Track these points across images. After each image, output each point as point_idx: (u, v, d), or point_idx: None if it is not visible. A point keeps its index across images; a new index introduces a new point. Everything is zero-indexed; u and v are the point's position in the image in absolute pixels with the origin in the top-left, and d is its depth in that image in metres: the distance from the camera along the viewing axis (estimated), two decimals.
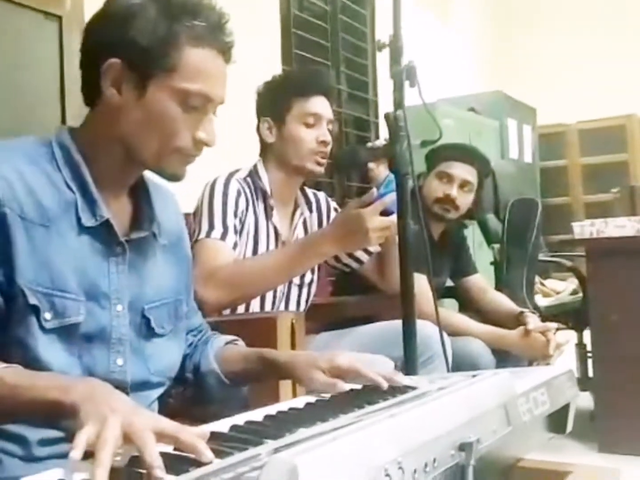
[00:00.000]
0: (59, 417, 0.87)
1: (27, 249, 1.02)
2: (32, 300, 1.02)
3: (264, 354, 1.28)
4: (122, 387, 1.10)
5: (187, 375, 1.32)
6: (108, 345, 1.11)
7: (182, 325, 1.27)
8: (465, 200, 2.48)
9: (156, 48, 1.06)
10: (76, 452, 0.72)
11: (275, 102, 1.94)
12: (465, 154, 2.53)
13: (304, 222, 2.02)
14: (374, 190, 1.71)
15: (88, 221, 1.08)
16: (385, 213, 1.68)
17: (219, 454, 0.77)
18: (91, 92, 1.12)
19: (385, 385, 1.11)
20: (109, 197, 1.13)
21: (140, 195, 1.20)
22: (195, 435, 0.78)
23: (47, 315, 1.03)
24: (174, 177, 1.15)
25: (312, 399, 1.10)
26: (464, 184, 2.46)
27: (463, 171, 2.47)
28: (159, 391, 1.22)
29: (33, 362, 1.02)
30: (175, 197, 1.33)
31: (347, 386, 1.13)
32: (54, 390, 0.87)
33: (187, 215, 1.88)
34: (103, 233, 1.10)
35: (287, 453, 0.59)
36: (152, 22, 1.07)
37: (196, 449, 0.75)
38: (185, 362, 1.32)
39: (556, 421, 1.03)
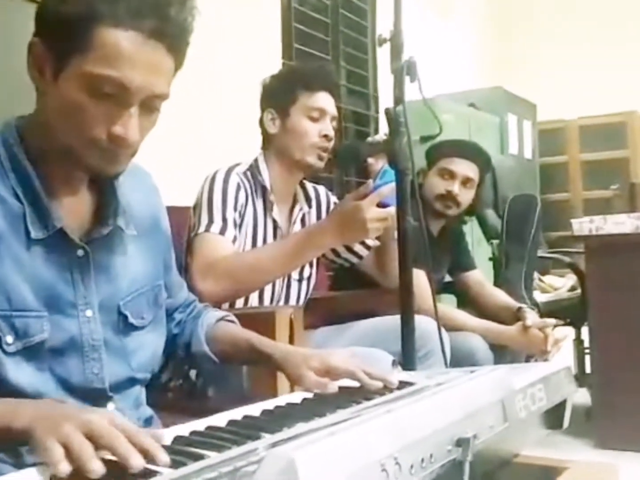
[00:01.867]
0: (11, 442, 0.83)
1: None
2: None
3: (256, 344, 1.25)
4: (101, 393, 1.08)
5: (178, 352, 1.31)
6: (81, 354, 1.05)
7: (163, 312, 1.22)
8: (466, 196, 2.49)
9: (70, 26, 0.95)
10: (64, 466, 0.69)
11: (280, 94, 1.94)
12: (467, 150, 2.53)
13: (303, 218, 2.02)
14: (370, 182, 1.72)
15: (39, 233, 1.01)
16: (381, 205, 1.68)
17: (217, 447, 0.78)
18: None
19: (375, 387, 1.09)
20: (64, 197, 1.05)
21: (102, 186, 1.10)
22: (150, 438, 0.75)
23: (9, 339, 0.97)
24: (102, 173, 1.04)
25: (309, 394, 1.10)
26: (465, 181, 2.47)
27: (464, 167, 2.47)
28: (144, 383, 1.18)
29: (4, 386, 0.97)
30: (148, 175, 1.24)
31: (337, 387, 1.11)
32: (1, 418, 0.81)
33: (187, 208, 1.89)
34: (58, 241, 1.02)
35: (284, 447, 0.59)
36: None
37: (149, 451, 0.72)
38: (175, 341, 1.30)
39: (553, 417, 1.03)
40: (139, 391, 1.18)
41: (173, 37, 0.99)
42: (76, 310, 1.05)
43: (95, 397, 1.08)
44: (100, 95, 0.96)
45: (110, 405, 1.10)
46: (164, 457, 0.72)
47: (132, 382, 1.14)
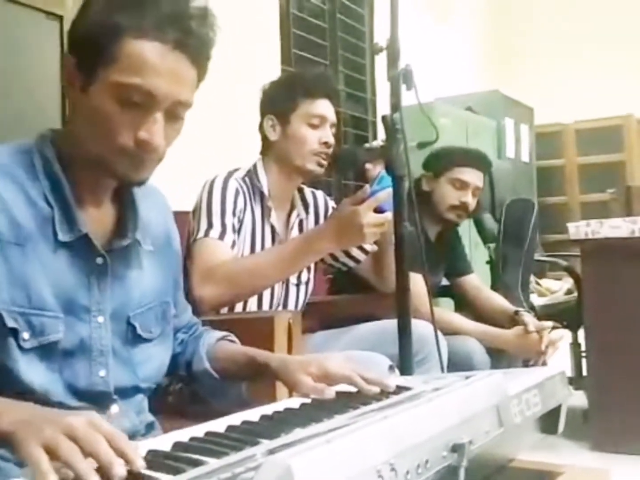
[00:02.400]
0: None
1: (3, 269, 1.00)
2: (10, 322, 1.00)
3: (254, 356, 1.27)
4: (106, 396, 1.10)
5: (180, 373, 1.33)
6: (89, 358, 1.09)
7: (171, 327, 1.26)
8: (474, 204, 2.52)
9: (97, 40, 1.01)
10: (53, 477, 0.69)
11: (281, 100, 1.95)
12: (478, 160, 2.56)
13: (300, 224, 2.03)
14: (367, 187, 1.73)
15: (65, 236, 1.05)
16: (378, 210, 1.69)
17: (215, 454, 0.79)
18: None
19: (372, 392, 1.10)
20: (90, 206, 1.10)
21: (124, 199, 1.16)
22: (129, 442, 0.76)
23: (25, 335, 1.01)
24: (130, 181, 1.09)
25: (307, 399, 1.11)
26: (475, 190, 2.50)
27: (475, 177, 2.51)
28: (148, 392, 1.21)
29: (13, 382, 1.01)
30: (163, 196, 1.30)
31: (334, 392, 1.11)
32: None
33: (186, 213, 1.89)
34: (82, 247, 1.07)
35: (281, 454, 0.60)
36: (98, 13, 1.03)
37: (128, 457, 0.73)
38: (177, 360, 1.32)
39: (548, 422, 1.04)
40: (143, 398, 1.20)
41: (195, 49, 1.05)
42: (89, 315, 1.09)
43: (99, 400, 1.10)
44: (127, 103, 1.02)
45: (114, 407, 1.12)
46: (140, 462, 0.73)
47: (136, 390, 1.17)
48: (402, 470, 0.67)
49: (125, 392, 1.14)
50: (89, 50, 1.02)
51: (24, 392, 1.00)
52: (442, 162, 2.52)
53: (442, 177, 2.50)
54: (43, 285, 1.03)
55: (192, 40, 1.04)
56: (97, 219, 1.11)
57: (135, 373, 1.16)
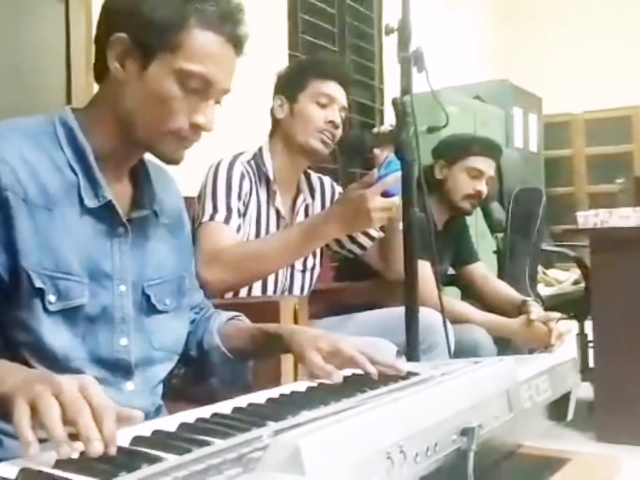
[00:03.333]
0: None
1: (31, 232, 1.03)
2: (38, 283, 1.03)
3: (266, 330, 1.28)
4: (126, 367, 1.12)
5: (190, 352, 1.33)
6: (112, 326, 1.11)
7: (186, 301, 1.28)
8: (486, 193, 2.52)
9: (163, 26, 1.06)
10: (32, 449, 0.70)
11: (292, 81, 1.96)
12: (493, 149, 2.57)
13: (306, 208, 2.02)
14: (375, 171, 1.71)
15: (91, 202, 1.08)
16: (386, 195, 1.67)
17: (222, 434, 0.78)
18: (100, 67, 1.12)
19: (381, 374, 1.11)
20: (111, 178, 1.13)
21: (140, 176, 1.20)
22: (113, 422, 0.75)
23: (52, 298, 1.04)
24: (170, 160, 1.14)
25: (314, 383, 1.10)
26: (489, 179, 2.51)
27: (489, 166, 2.52)
28: (165, 369, 1.22)
29: (37, 344, 1.03)
30: (174, 181, 1.33)
31: (342, 377, 1.11)
32: None
33: (191, 198, 1.88)
34: (105, 214, 1.10)
35: (290, 434, 0.59)
36: (163, 0, 1.07)
37: (104, 436, 0.72)
38: (188, 339, 1.33)
39: (557, 409, 1.03)
40: (159, 380, 1.21)
41: (241, 42, 1.13)
42: (112, 283, 1.11)
43: (119, 370, 1.12)
44: (187, 88, 1.08)
45: (130, 384, 1.14)
46: (113, 448, 0.72)
47: (153, 361, 1.18)
48: (411, 452, 0.66)
49: (143, 364, 1.15)
50: (152, 34, 1.06)
51: (45, 354, 1.03)
52: (457, 150, 2.51)
53: (456, 165, 2.49)
54: (70, 250, 1.06)
55: (241, 34, 1.12)
56: (118, 192, 1.14)
57: (150, 342, 1.17)
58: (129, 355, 1.13)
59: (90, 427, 0.72)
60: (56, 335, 1.05)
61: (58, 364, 1.03)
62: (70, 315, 1.06)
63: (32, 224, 1.03)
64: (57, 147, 1.09)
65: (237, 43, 1.12)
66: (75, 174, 1.08)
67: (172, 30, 1.06)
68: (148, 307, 1.18)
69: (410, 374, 1.10)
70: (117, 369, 1.12)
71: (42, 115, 1.13)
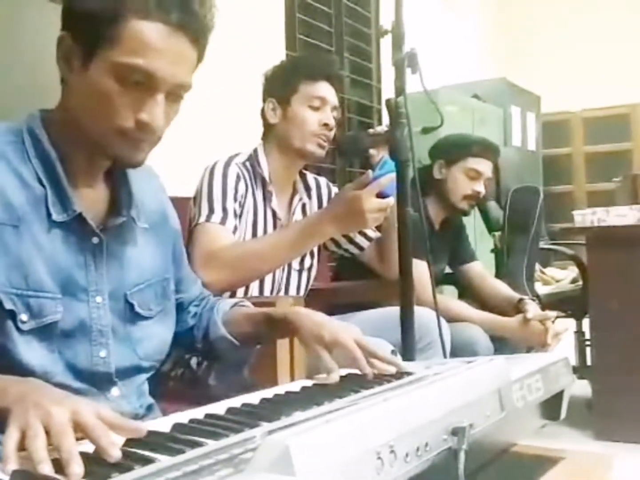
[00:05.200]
0: None
1: None
2: (7, 304, 1.00)
3: (270, 313, 1.28)
4: (107, 378, 1.10)
5: (197, 346, 1.33)
6: (89, 338, 1.08)
7: (171, 304, 1.25)
8: (484, 193, 2.54)
9: (99, 20, 0.99)
10: (11, 465, 0.70)
11: (282, 83, 1.95)
12: (492, 151, 2.58)
13: (303, 208, 2.02)
14: (370, 172, 1.72)
15: (59, 216, 1.04)
16: (381, 196, 1.68)
17: (214, 435, 0.78)
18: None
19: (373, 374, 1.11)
20: (83, 186, 1.09)
21: (117, 179, 1.15)
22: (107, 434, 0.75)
23: (24, 317, 1.01)
24: (129, 163, 1.09)
25: (308, 382, 1.11)
26: (486, 180, 2.54)
27: (487, 168, 2.53)
28: (150, 374, 1.21)
29: (15, 365, 1.00)
30: (157, 176, 1.28)
31: (339, 377, 1.12)
32: None
33: (187, 199, 1.89)
34: (76, 226, 1.06)
35: (279, 435, 0.60)
36: None
37: (101, 448, 0.73)
38: (192, 333, 1.33)
39: (550, 408, 1.04)
40: (143, 380, 1.20)
41: (196, 31, 1.04)
42: (87, 295, 1.08)
43: (100, 381, 1.10)
44: (128, 84, 1.00)
45: (115, 390, 1.12)
46: (116, 454, 0.72)
47: (137, 370, 1.16)
48: (401, 452, 0.67)
49: (126, 373, 1.14)
50: (89, 29, 1.00)
51: (24, 374, 0.99)
52: (456, 150, 2.52)
53: (455, 166, 2.50)
54: (39, 266, 1.03)
55: (194, 22, 1.03)
56: (90, 199, 1.10)
57: (136, 352, 1.15)
58: (109, 366, 1.10)
59: (71, 450, 0.71)
60: (32, 353, 1.02)
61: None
62: (45, 332, 1.03)
63: None
64: (25, 158, 1.05)
65: (189, 31, 1.02)
66: (44, 186, 1.04)
67: (108, 23, 0.99)
68: (132, 315, 1.15)
69: (403, 374, 1.11)
70: (97, 380, 1.10)
71: (9, 125, 1.08)
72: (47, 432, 0.74)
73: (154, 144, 1.08)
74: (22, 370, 1.00)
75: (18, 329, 1.01)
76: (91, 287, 1.08)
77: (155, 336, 1.19)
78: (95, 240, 1.09)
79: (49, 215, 1.04)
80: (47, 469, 0.70)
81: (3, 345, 1.01)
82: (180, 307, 1.31)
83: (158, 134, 1.05)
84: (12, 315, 1.00)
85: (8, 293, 1.00)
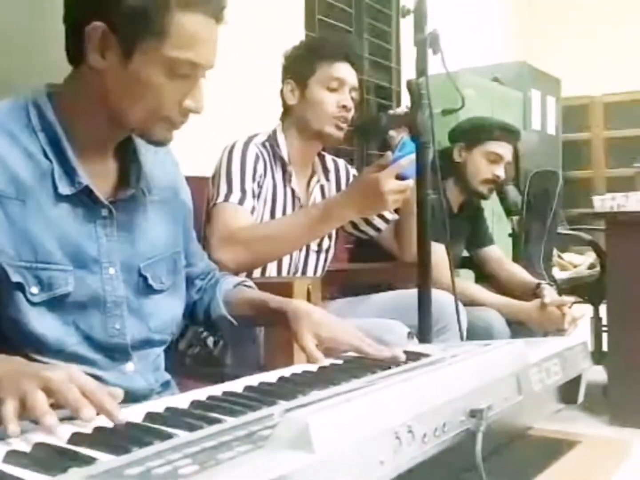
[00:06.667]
0: None
1: (5, 225, 1.00)
2: (15, 277, 1.01)
3: (268, 302, 1.27)
4: (123, 349, 1.11)
5: (199, 318, 1.35)
6: (104, 310, 1.09)
7: (182, 278, 1.26)
8: (503, 177, 2.52)
9: (143, 12, 0.99)
10: (12, 428, 0.72)
11: (300, 64, 1.94)
12: (513, 134, 2.55)
13: (321, 190, 2.02)
14: (389, 153, 1.70)
15: (66, 189, 1.05)
16: (400, 177, 1.67)
17: (232, 412, 0.79)
18: (74, 52, 1.06)
19: (382, 357, 1.11)
20: (92, 159, 1.09)
21: (127, 152, 1.15)
22: (107, 395, 0.78)
23: (34, 290, 1.02)
24: (159, 143, 1.11)
25: (325, 362, 1.11)
26: (507, 164, 2.52)
27: (508, 151, 2.51)
28: (162, 347, 1.22)
29: (28, 336, 1.02)
30: (168, 149, 1.26)
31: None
32: None
33: (205, 179, 1.89)
34: (84, 199, 1.07)
35: (299, 412, 0.60)
36: None
37: (106, 411, 0.75)
38: (196, 308, 1.34)
39: (568, 392, 1.03)
40: (158, 354, 1.21)
41: (221, 13, 1.06)
42: (99, 267, 1.09)
43: (116, 353, 1.12)
44: (176, 75, 1.03)
45: (130, 365, 1.13)
46: (119, 414, 0.75)
47: (149, 343, 1.17)
48: (419, 432, 0.67)
49: (140, 346, 1.15)
50: (133, 22, 1.00)
51: (38, 344, 1.02)
52: (477, 133, 2.50)
53: (476, 149, 2.48)
54: (48, 239, 1.03)
55: (220, 5, 1.06)
56: (99, 172, 1.10)
57: (148, 325, 1.16)
58: (124, 338, 1.11)
59: (79, 399, 0.74)
60: (46, 325, 1.03)
61: (54, 352, 1.03)
62: (58, 304, 1.05)
63: (5, 216, 1.00)
64: (30, 133, 1.04)
65: (218, 16, 1.05)
66: (49, 160, 1.04)
67: (154, 16, 0.99)
68: (145, 288, 1.16)
69: (420, 355, 1.11)
70: (114, 352, 1.11)
71: (13, 99, 1.08)
72: (49, 396, 0.75)
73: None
74: (37, 341, 1.03)
75: (29, 300, 1.02)
76: (103, 258, 1.09)
77: (167, 310, 1.20)
78: (104, 212, 1.09)
79: (55, 188, 1.04)
80: (52, 419, 0.72)
81: (14, 317, 1.02)
82: (187, 281, 1.31)
83: (200, 113, 1.08)
84: (21, 287, 1.02)
85: (17, 266, 1.01)
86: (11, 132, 1.03)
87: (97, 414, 0.76)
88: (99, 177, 1.09)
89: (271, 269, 1.89)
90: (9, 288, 1.01)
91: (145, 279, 1.16)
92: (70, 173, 1.05)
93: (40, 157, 1.04)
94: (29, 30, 2.22)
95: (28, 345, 1.02)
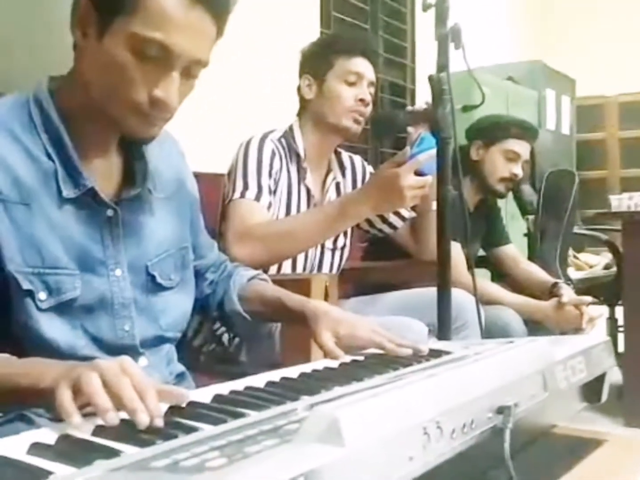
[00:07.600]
0: (37, 402, 0.86)
1: (10, 231, 0.98)
2: (25, 284, 0.99)
3: (286, 302, 1.26)
4: (133, 349, 1.10)
5: (212, 312, 1.33)
6: (112, 312, 1.08)
7: (190, 272, 1.24)
8: (521, 176, 2.52)
9: None
10: (74, 418, 0.71)
11: (318, 59, 1.94)
12: (531, 132, 2.54)
13: (337, 186, 2.01)
14: (407, 149, 1.69)
15: (70, 192, 1.02)
16: (418, 173, 1.66)
17: (256, 407, 0.78)
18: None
19: (404, 354, 1.09)
20: (95, 157, 1.06)
21: (131, 149, 1.12)
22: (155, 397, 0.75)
23: (42, 296, 1.00)
24: (139, 138, 1.06)
25: (347, 359, 1.10)
26: (524, 163, 2.52)
27: (526, 150, 2.50)
28: (173, 344, 1.21)
29: (40, 341, 1.01)
30: (174, 141, 1.25)
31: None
32: (27, 378, 0.84)
33: (221, 176, 1.88)
34: (89, 201, 1.04)
35: (328, 407, 0.59)
36: None
37: (150, 410, 0.72)
38: (208, 301, 1.32)
39: (591, 390, 1.02)
40: (169, 348, 1.20)
41: (218, 5, 1.00)
42: (106, 269, 1.07)
43: (126, 353, 1.09)
44: (144, 57, 0.96)
45: (142, 360, 1.12)
46: (159, 423, 0.71)
47: (161, 340, 1.16)
48: (447, 428, 0.66)
49: (151, 344, 1.14)
50: None
51: (50, 350, 1.00)
52: (495, 131, 2.48)
53: (494, 147, 2.46)
54: (54, 243, 1.01)
55: None
56: (103, 171, 1.08)
57: (158, 322, 1.15)
58: (134, 339, 1.10)
59: (134, 399, 0.72)
60: (55, 330, 1.02)
61: (66, 356, 1.01)
62: (65, 308, 1.03)
63: (10, 222, 0.98)
64: (34, 132, 1.02)
65: (210, 5, 0.98)
66: (53, 161, 1.02)
67: None
68: (154, 286, 1.14)
69: (442, 353, 1.10)
70: (123, 353, 1.06)
71: (15, 97, 1.05)
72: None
73: (167, 120, 1.05)
74: (47, 346, 1.01)
75: (37, 307, 1.00)
76: (109, 260, 1.07)
77: (177, 306, 1.19)
78: (109, 212, 1.07)
79: (59, 191, 1.02)
80: (114, 417, 0.70)
81: (25, 323, 1.01)
82: (198, 274, 1.29)
83: (171, 112, 1.02)
84: (31, 294, 1.00)
85: (25, 273, 0.99)
86: (12, 132, 1.01)
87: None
88: (103, 177, 1.07)
89: (286, 267, 1.88)
90: (20, 295, 1.00)
91: (153, 277, 1.14)
92: (74, 175, 1.03)
93: (43, 159, 1.02)
94: (30, 29, 2.22)
95: (41, 350, 0.99)
